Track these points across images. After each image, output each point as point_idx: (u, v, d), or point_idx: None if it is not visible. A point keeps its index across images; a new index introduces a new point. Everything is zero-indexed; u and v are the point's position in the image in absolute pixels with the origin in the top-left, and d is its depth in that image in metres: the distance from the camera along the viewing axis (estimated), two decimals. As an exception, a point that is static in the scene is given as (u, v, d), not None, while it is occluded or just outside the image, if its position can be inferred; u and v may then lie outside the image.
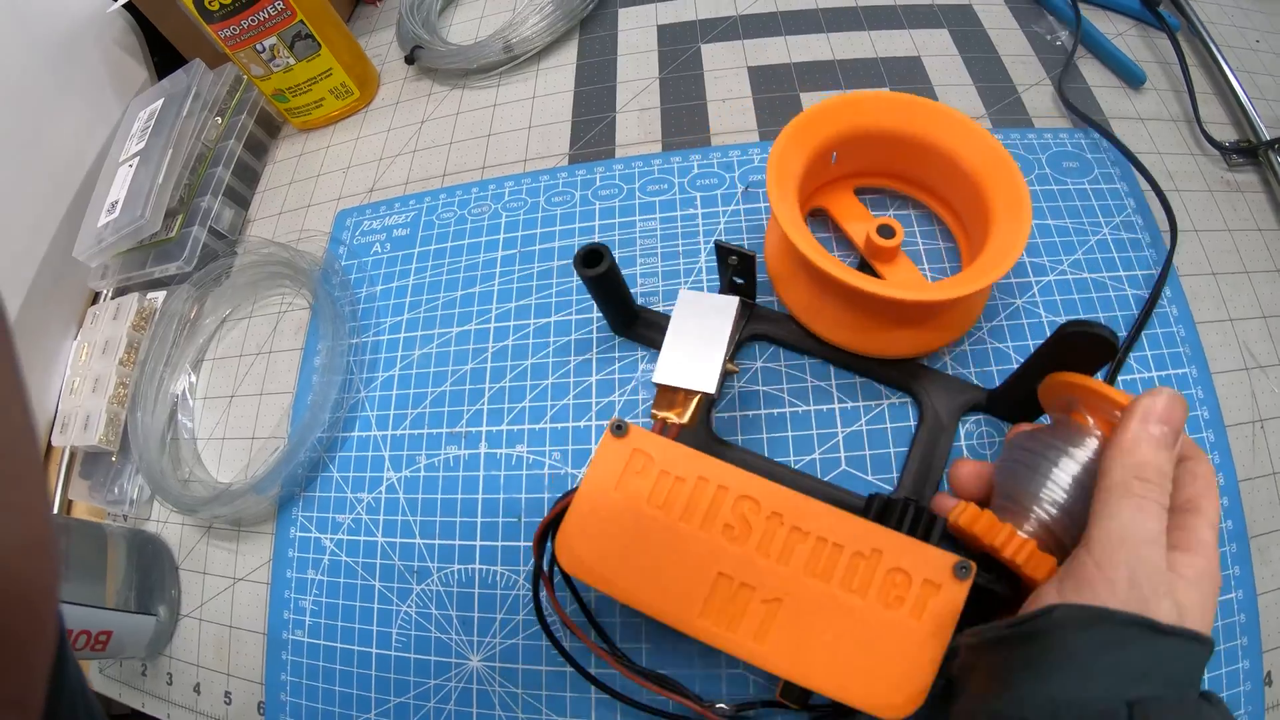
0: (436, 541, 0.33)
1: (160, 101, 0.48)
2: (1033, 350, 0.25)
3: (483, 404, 0.35)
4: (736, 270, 0.30)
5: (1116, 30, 0.42)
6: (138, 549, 0.39)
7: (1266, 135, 0.36)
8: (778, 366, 0.32)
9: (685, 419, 0.27)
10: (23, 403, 0.12)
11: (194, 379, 0.43)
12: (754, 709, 0.26)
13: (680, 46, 0.44)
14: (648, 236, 0.36)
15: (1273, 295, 0.33)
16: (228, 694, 0.36)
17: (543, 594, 0.27)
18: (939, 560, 0.22)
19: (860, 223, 0.33)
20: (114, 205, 0.44)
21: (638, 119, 0.41)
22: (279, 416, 0.39)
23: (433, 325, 0.38)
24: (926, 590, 0.22)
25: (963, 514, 0.22)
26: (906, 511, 0.25)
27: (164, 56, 0.55)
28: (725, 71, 0.42)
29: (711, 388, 0.27)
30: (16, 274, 0.44)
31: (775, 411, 0.32)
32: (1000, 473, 0.24)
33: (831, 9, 0.44)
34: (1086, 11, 0.42)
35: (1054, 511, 0.22)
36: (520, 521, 0.32)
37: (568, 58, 0.45)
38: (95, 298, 0.49)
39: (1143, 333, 0.31)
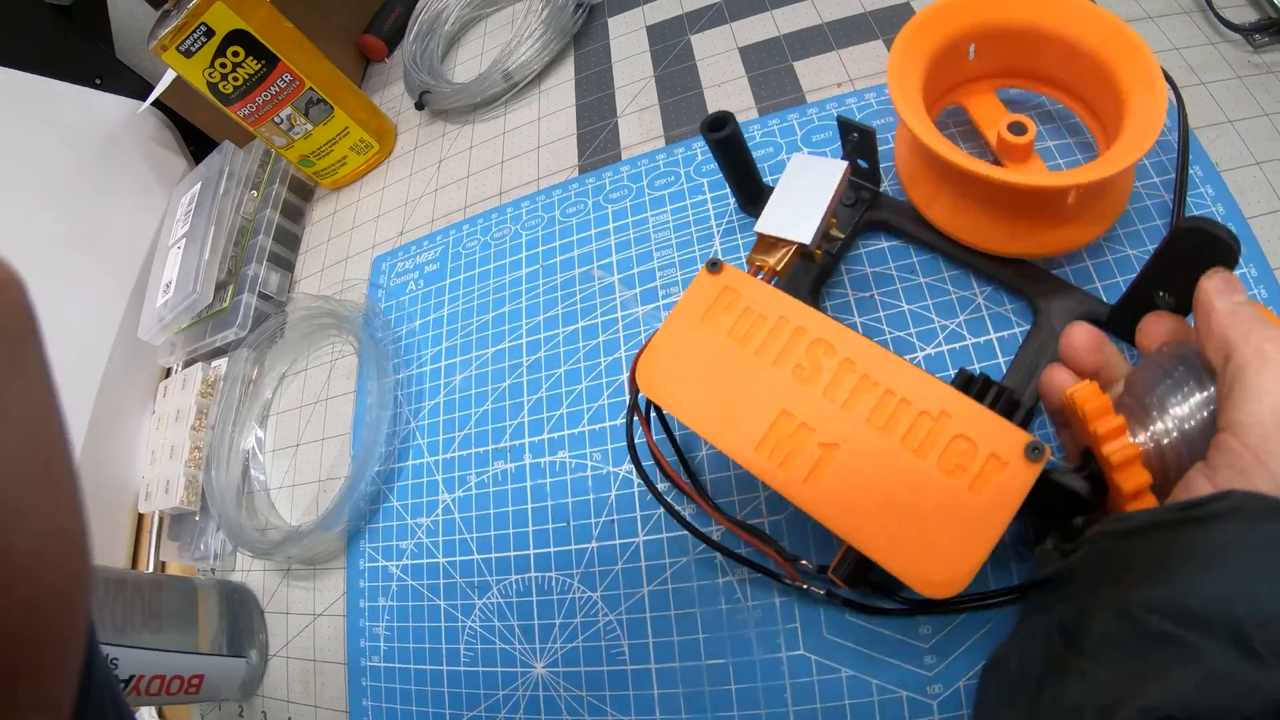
0: (493, 555, 0.34)
1: (198, 185, 0.53)
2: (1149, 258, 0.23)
3: (523, 417, 0.36)
4: (858, 148, 0.30)
5: None
6: (226, 597, 0.42)
7: None
8: (892, 257, 0.33)
9: (779, 267, 0.28)
10: (54, 406, 0.13)
11: (261, 434, 0.47)
12: (822, 576, 0.26)
13: (670, 42, 0.45)
14: (661, 229, 0.37)
15: None
16: None
17: (638, 433, 0.28)
18: (1011, 436, 0.21)
19: (994, 122, 0.32)
20: (168, 286, 0.49)
21: (639, 119, 0.42)
22: (341, 457, 0.42)
23: (470, 349, 0.40)
24: (992, 465, 0.21)
25: (1081, 389, 0.21)
26: (989, 389, 0.23)
27: (199, 145, 0.61)
28: (717, 57, 0.43)
29: (808, 239, 0.27)
30: (92, 362, 0.49)
31: (883, 296, 0.32)
32: (1141, 370, 0.22)
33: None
34: None
35: (1175, 434, 0.20)
36: (569, 525, 0.33)
37: (566, 75, 0.47)
38: (167, 373, 0.54)
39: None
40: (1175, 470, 0.20)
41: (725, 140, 0.30)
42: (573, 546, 0.33)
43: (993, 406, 0.22)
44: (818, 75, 0.39)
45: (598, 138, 0.43)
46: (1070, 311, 0.28)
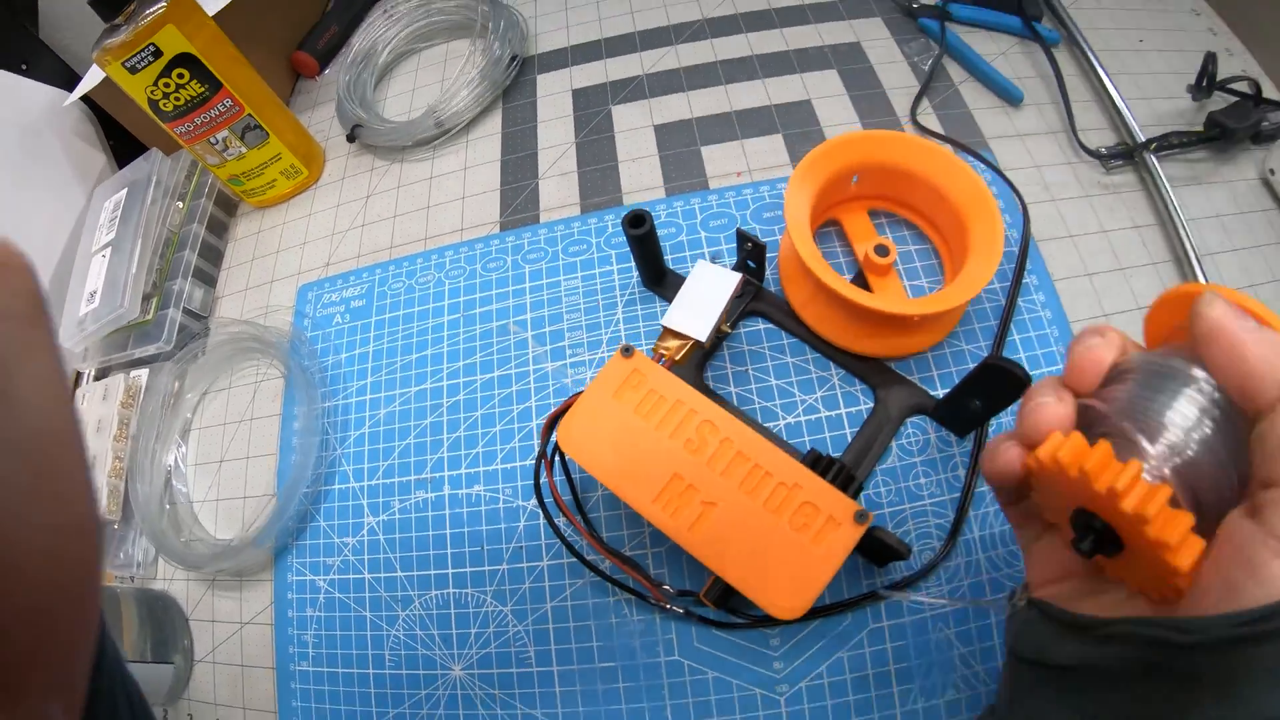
0: (415, 573, 0.40)
1: (124, 191, 0.53)
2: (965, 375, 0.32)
3: (443, 452, 0.42)
4: (750, 255, 0.38)
5: (1000, 50, 0.49)
6: (148, 605, 0.45)
7: (1142, 137, 0.41)
8: (766, 339, 0.40)
9: (678, 357, 0.35)
10: (65, 388, 0.13)
11: (184, 448, 0.49)
12: (690, 597, 0.34)
13: (594, 110, 0.50)
14: (572, 295, 0.43)
15: (1146, 287, 0.39)
16: None
17: (543, 476, 0.35)
18: (844, 504, 0.28)
19: (865, 240, 0.40)
20: (93, 295, 0.50)
21: (558, 184, 0.48)
22: (266, 476, 0.46)
23: (394, 386, 0.44)
24: (829, 525, 0.28)
25: (1067, 448, 0.19)
26: (832, 467, 0.31)
27: (120, 141, 0.60)
28: (634, 131, 0.49)
29: (704, 337, 0.35)
30: None
31: (756, 371, 0.39)
32: (1116, 396, 0.20)
33: (729, 60, 0.51)
34: (971, 35, 0.48)
35: (1192, 448, 0.18)
36: (483, 549, 0.39)
37: (493, 127, 0.52)
38: (76, 377, 0.55)
39: (1013, 336, 0.38)
40: (1198, 485, 0.18)
41: (642, 236, 0.37)
42: (486, 568, 0.39)
43: (834, 480, 0.30)
44: (722, 162, 0.46)
45: (519, 196, 0.48)
46: (904, 400, 0.37)
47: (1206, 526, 0.18)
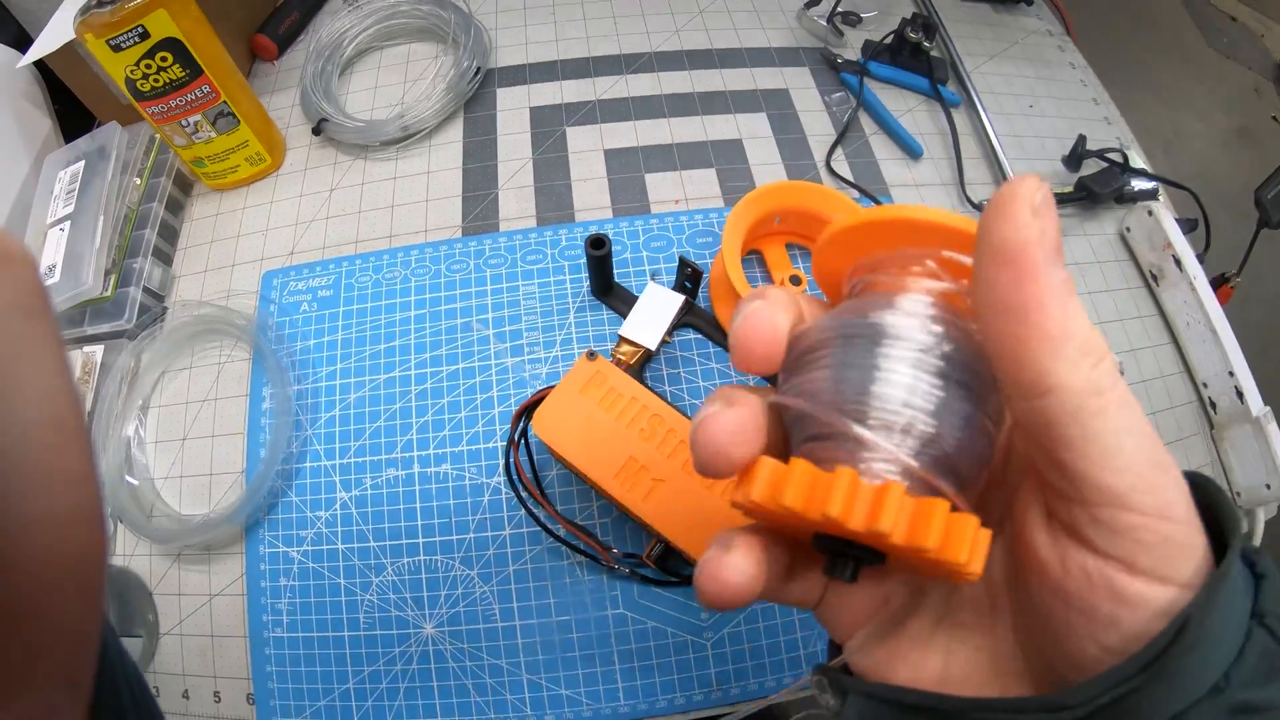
0: (388, 543, 0.45)
1: (81, 164, 0.53)
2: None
3: (412, 435, 0.46)
4: (689, 278, 0.44)
5: (908, 107, 0.58)
6: (109, 581, 0.47)
7: None
8: (696, 346, 0.47)
9: (632, 361, 0.42)
10: (68, 379, 0.13)
11: (143, 426, 0.51)
12: (634, 559, 0.41)
13: (549, 129, 0.55)
14: (529, 299, 0.49)
15: None
16: (216, 693, 0.45)
17: (511, 457, 0.41)
18: None
19: (782, 270, 0.48)
20: (52, 269, 0.50)
21: (516, 196, 0.53)
22: (233, 454, 0.48)
23: (363, 374, 0.48)
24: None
25: (754, 481, 0.16)
26: None
27: (66, 107, 0.59)
28: (586, 153, 0.54)
29: (653, 346, 0.42)
30: None
31: (687, 374, 0.47)
32: (822, 376, 0.16)
33: (673, 94, 0.57)
34: (884, 91, 0.57)
35: (939, 423, 0.15)
36: (451, 521, 0.44)
37: (455, 135, 0.56)
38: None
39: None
40: (950, 456, 0.15)
41: (601, 256, 0.43)
42: (454, 537, 0.44)
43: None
44: (662, 189, 0.52)
45: (480, 204, 0.52)
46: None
47: (970, 492, 0.16)
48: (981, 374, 0.16)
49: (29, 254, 0.13)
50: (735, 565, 0.17)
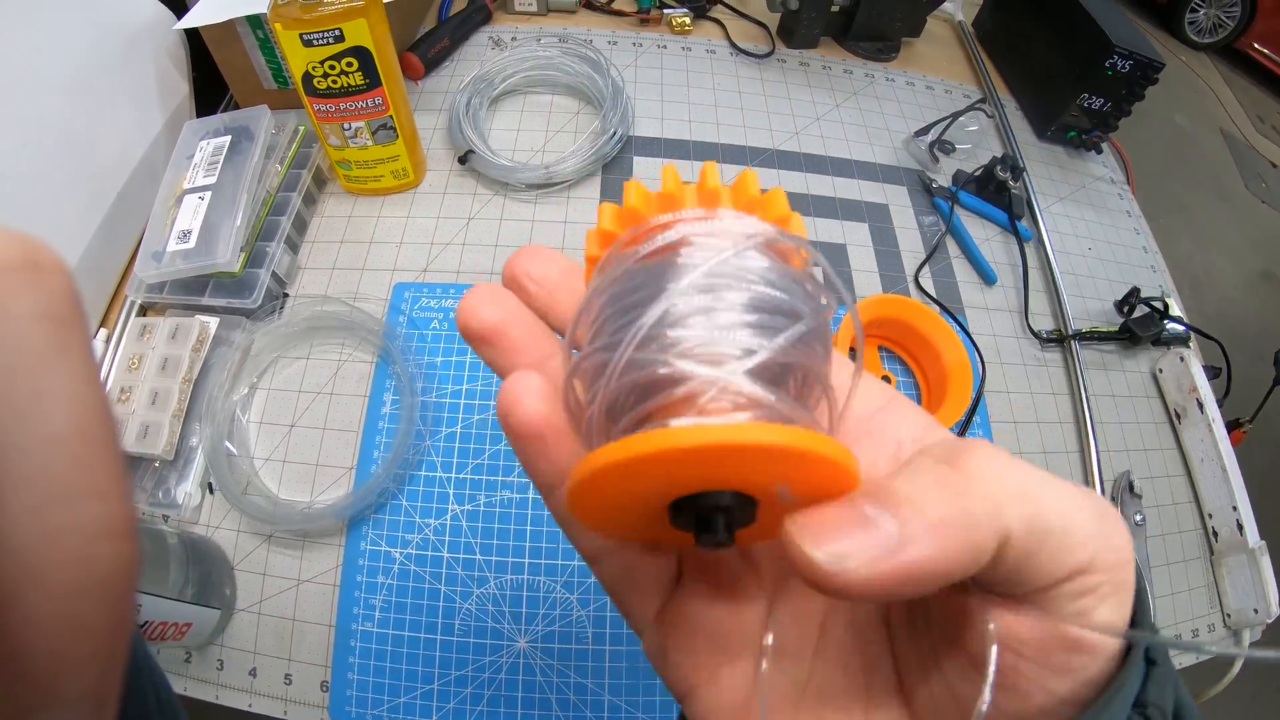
0: (494, 558, 0.49)
1: (228, 139, 0.56)
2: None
3: (530, 463, 0.52)
4: None
5: (986, 236, 0.68)
6: (192, 547, 0.49)
7: (1073, 328, 0.62)
8: None
9: None
10: (99, 389, 0.13)
11: (249, 404, 0.54)
12: None
13: (678, 205, 0.63)
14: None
15: (1052, 437, 0.58)
16: (288, 676, 0.48)
17: None
18: None
19: (873, 369, 0.56)
20: (186, 234, 0.53)
21: (647, 260, 0.60)
22: (343, 450, 0.52)
23: (489, 397, 0.54)
24: None
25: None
26: None
27: (203, 71, 0.63)
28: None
29: None
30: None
31: None
32: (617, 324, 0.15)
33: (791, 193, 0.66)
34: (968, 219, 0.67)
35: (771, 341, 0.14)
36: (559, 547, 0.50)
37: (593, 191, 0.63)
38: (112, 304, 0.56)
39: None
40: (791, 367, 0.15)
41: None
42: (559, 561, 0.50)
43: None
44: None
45: (614, 260, 0.60)
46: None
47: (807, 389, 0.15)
48: (788, 269, 0.15)
49: (62, 262, 0.13)
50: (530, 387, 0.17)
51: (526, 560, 0.50)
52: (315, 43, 0.50)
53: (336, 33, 0.50)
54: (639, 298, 0.15)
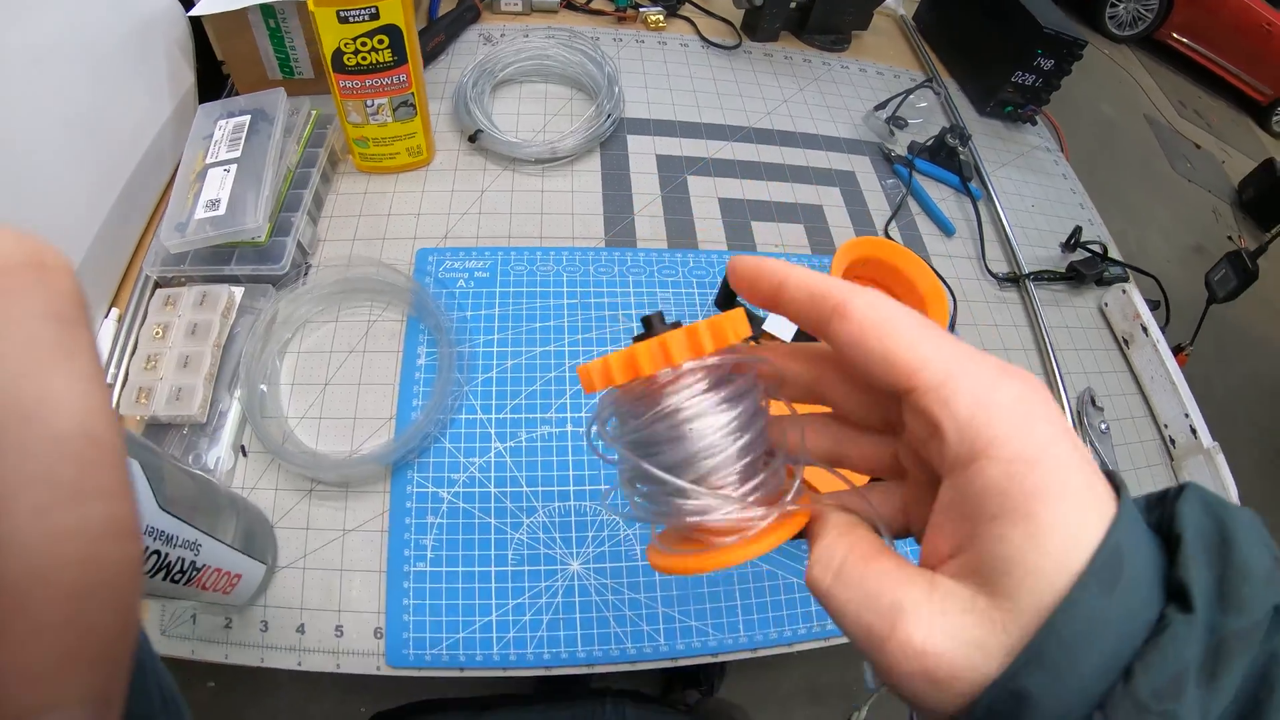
0: (540, 489, 0.53)
1: (247, 118, 0.60)
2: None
3: (566, 399, 0.56)
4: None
5: (942, 196, 0.78)
6: (237, 505, 0.50)
7: (1025, 270, 0.72)
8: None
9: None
10: (103, 390, 0.13)
11: (278, 368, 0.55)
12: None
13: (672, 174, 0.70)
14: (665, 303, 0.62)
15: (1018, 362, 0.66)
16: (339, 627, 0.49)
17: None
18: None
19: None
20: (214, 203, 0.56)
21: (649, 223, 0.66)
22: (381, 402, 0.55)
23: (519, 344, 0.57)
24: None
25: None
26: None
27: (204, 62, 0.66)
28: (704, 198, 0.70)
29: (788, 339, 0.56)
30: (76, 241, 0.53)
31: None
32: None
33: (769, 163, 0.75)
34: (925, 182, 0.77)
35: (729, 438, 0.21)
36: (600, 473, 0.54)
37: (594, 165, 0.69)
38: (127, 278, 0.57)
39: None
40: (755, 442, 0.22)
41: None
42: (602, 487, 0.53)
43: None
44: (764, 235, 0.68)
45: (619, 224, 0.66)
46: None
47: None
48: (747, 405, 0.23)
49: (67, 262, 0.13)
50: None
51: (571, 488, 0.53)
52: (351, 19, 0.54)
53: (372, 10, 0.54)
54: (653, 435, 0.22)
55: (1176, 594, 0.15)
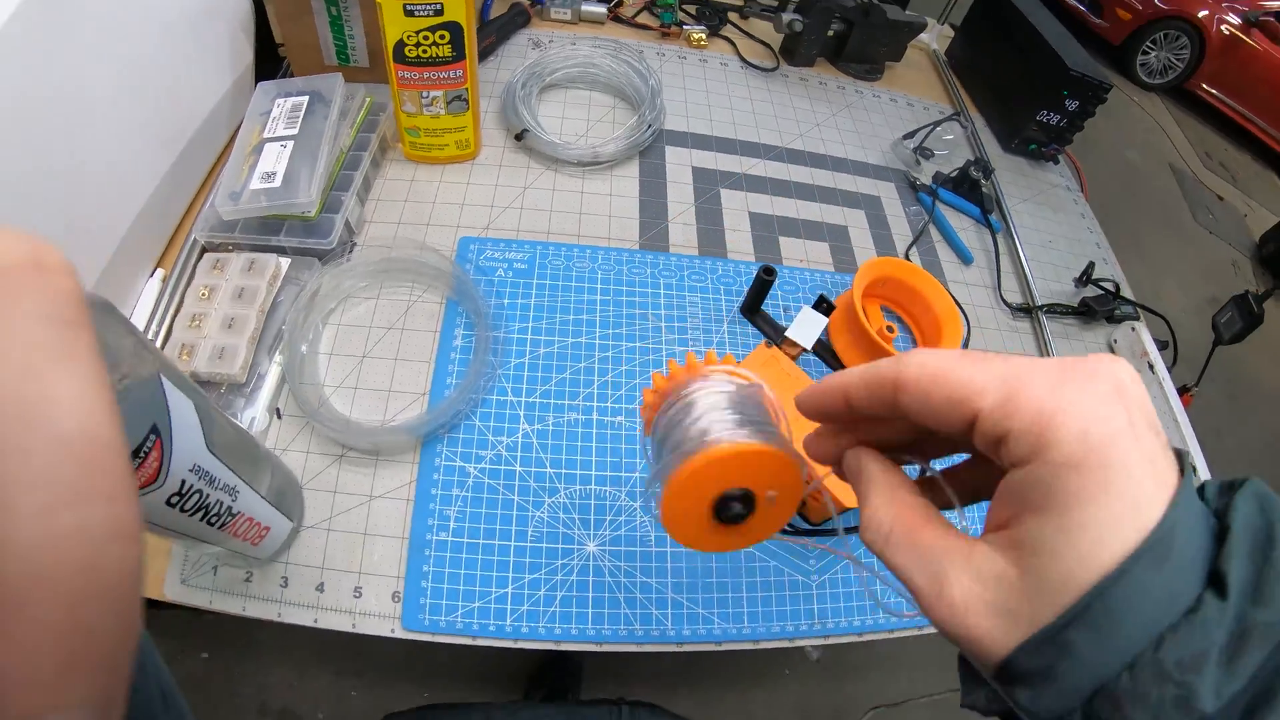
0: (563, 470, 0.55)
1: (305, 98, 0.63)
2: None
3: (593, 388, 0.58)
4: (822, 308, 0.61)
5: (962, 225, 0.81)
6: (271, 461, 0.53)
7: (1038, 301, 0.74)
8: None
9: (793, 354, 0.58)
10: (106, 392, 0.13)
11: (319, 337, 0.58)
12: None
13: (706, 185, 0.73)
14: (693, 306, 0.64)
15: None
16: (358, 589, 0.51)
17: None
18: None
19: (876, 321, 0.66)
20: (270, 175, 0.59)
21: (682, 230, 0.69)
22: (416, 377, 0.57)
23: (552, 334, 0.60)
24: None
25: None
26: None
27: (263, 43, 0.70)
28: (735, 211, 0.73)
29: (809, 346, 0.59)
30: (129, 198, 0.56)
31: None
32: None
33: (799, 183, 0.78)
34: (947, 210, 0.80)
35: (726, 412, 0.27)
36: (621, 460, 0.56)
37: (632, 172, 0.72)
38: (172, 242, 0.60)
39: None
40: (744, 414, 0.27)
41: (768, 281, 0.59)
42: (622, 474, 0.55)
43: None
44: (791, 250, 0.71)
45: (654, 229, 0.68)
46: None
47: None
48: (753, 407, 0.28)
49: (68, 263, 0.13)
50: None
51: (594, 473, 0.55)
52: (417, 13, 0.58)
53: (437, 7, 0.58)
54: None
55: (1216, 580, 0.17)
